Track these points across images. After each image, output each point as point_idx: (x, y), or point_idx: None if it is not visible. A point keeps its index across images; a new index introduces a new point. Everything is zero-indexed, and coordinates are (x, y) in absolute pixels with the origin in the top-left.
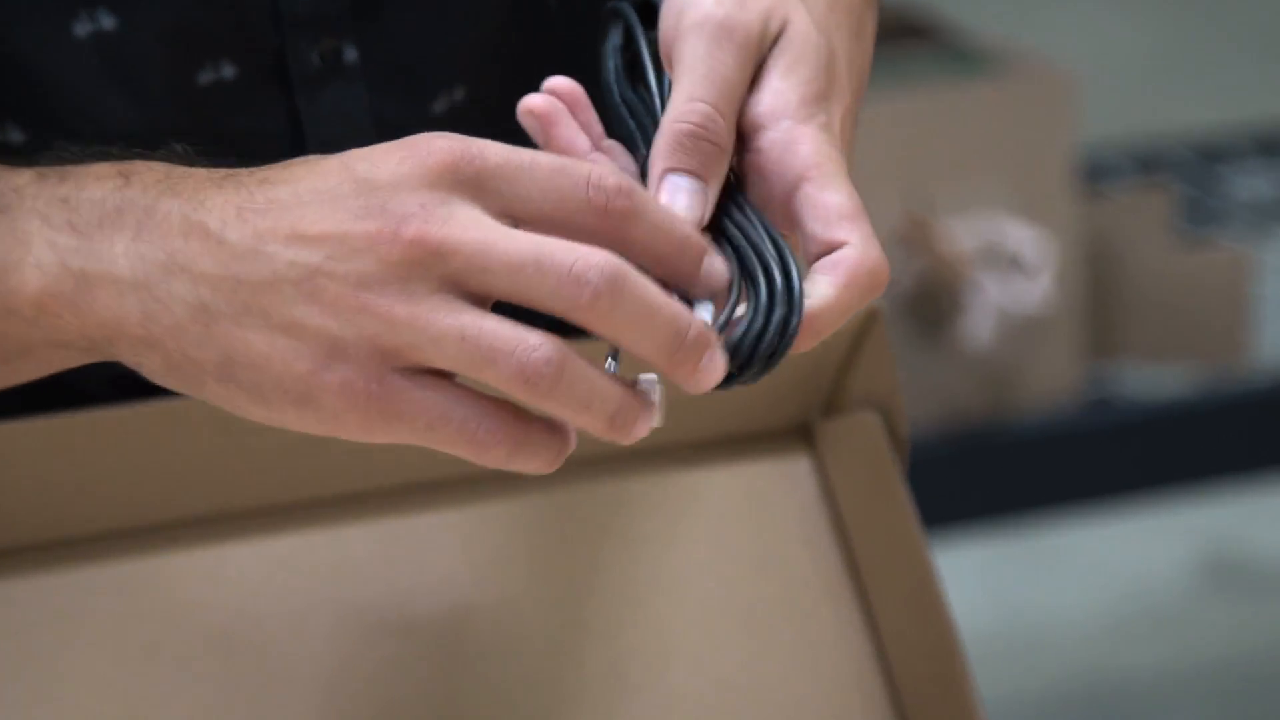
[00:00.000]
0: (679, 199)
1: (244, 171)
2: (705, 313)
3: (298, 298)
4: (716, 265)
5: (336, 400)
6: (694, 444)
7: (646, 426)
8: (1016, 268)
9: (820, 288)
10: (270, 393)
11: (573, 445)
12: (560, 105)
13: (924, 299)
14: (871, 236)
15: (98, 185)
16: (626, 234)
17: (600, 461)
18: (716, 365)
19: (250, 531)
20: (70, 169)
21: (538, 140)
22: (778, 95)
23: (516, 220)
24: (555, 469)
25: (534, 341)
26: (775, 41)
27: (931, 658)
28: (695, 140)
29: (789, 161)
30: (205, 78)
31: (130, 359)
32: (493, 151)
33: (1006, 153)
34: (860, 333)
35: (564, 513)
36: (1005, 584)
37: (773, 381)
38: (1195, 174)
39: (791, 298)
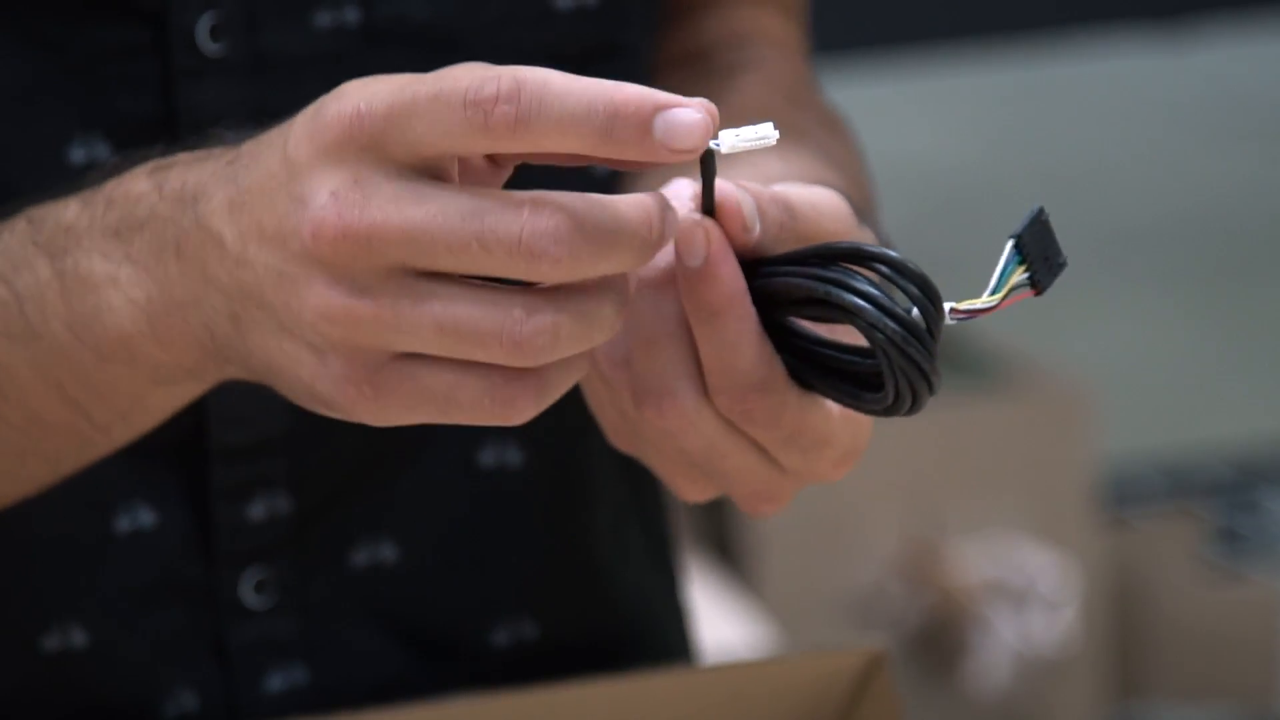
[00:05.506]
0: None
1: (240, 149)
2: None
3: (280, 304)
4: (682, 118)
5: (341, 398)
6: None
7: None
8: (1033, 601)
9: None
10: (300, 395)
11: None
12: None
13: (930, 637)
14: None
15: (139, 205)
16: (534, 139)
17: None
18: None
19: None
20: (112, 190)
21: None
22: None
23: (429, 162)
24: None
25: (518, 314)
26: None
27: None
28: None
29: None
30: None
31: (221, 377)
32: (380, 101)
33: (1021, 471)
34: (863, 678)
35: None
36: None
37: None
38: (1230, 493)
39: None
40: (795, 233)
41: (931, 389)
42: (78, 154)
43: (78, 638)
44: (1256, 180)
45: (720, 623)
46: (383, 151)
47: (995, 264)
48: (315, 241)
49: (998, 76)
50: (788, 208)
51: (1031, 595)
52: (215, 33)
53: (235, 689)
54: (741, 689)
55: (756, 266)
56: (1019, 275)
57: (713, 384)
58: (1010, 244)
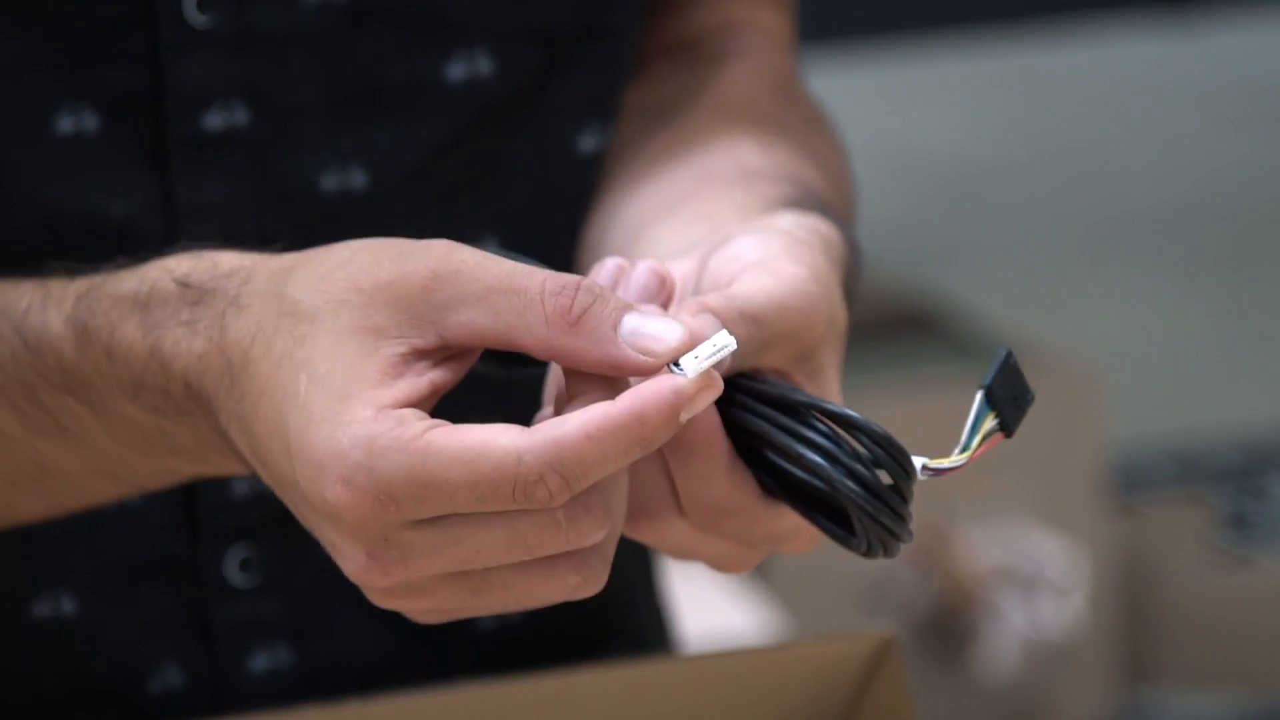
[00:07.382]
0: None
1: (233, 367)
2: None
3: (313, 528)
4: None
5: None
6: None
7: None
8: (1042, 587)
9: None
10: None
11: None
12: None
13: (939, 623)
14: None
15: (146, 374)
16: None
17: None
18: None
19: None
20: (109, 338)
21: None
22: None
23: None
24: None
25: (574, 581)
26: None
27: None
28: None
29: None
30: None
31: None
32: (402, 489)
33: (1030, 457)
34: (872, 664)
35: None
36: None
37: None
38: (1239, 478)
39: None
40: (763, 342)
41: (903, 541)
42: (65, 125)
43: (68, 605)
44: (1263, 165)
45: (730, 608)
46: (406, 519)
47: (998, 251)
48: (366, 578)
49: (1002, 61)
50: (753, 320)
51: (1040, 581)
52: (203, 4)
53: (220, 668)
54: (751, 674)
55: (727, 390)
56: (989, 423)
57: (686, 506)
58: (980, 396)
